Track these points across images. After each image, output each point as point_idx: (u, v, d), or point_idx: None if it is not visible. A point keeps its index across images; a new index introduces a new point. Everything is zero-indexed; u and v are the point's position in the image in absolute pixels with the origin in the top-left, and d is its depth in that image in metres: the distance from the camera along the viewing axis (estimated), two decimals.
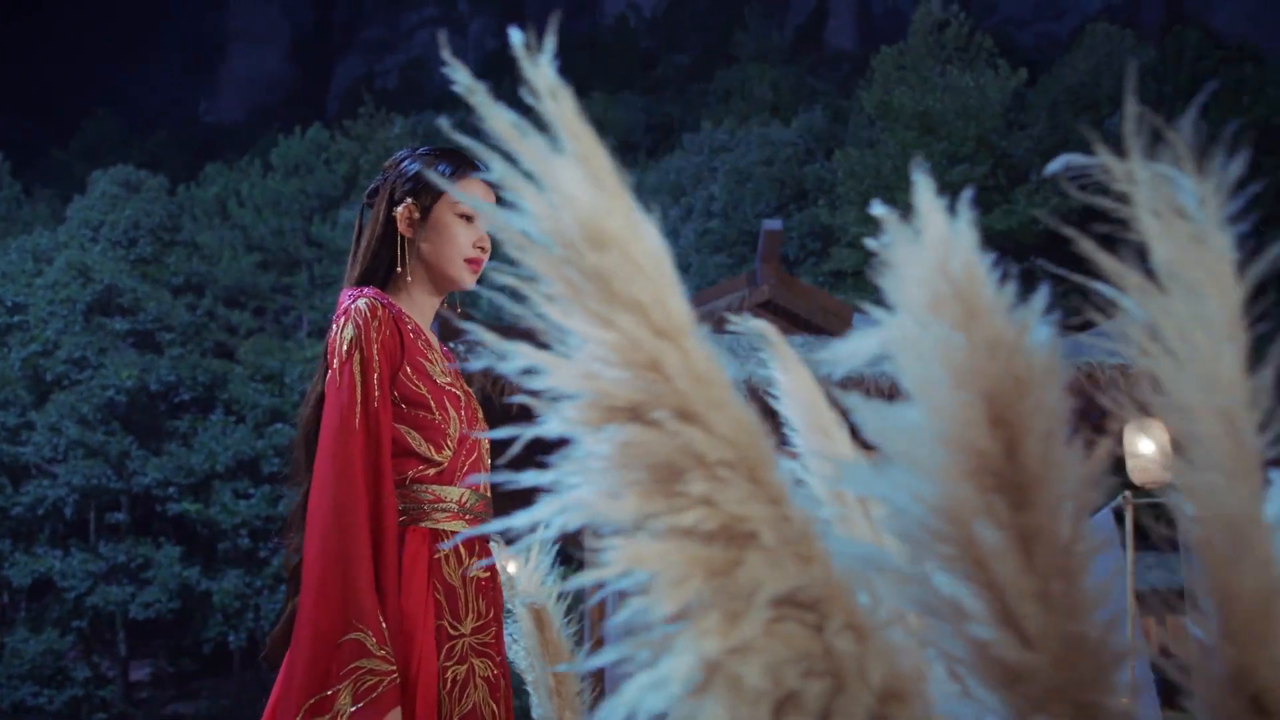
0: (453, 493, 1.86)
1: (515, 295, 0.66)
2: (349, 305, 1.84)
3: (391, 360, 1.82)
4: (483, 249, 1.96)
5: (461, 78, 0.68)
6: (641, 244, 0.66)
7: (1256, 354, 0.69)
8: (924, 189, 0.81)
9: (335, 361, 1.79)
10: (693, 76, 52.80)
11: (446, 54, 0.71)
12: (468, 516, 1.87)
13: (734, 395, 0.71)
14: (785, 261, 25.19)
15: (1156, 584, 13.19)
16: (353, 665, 1.62)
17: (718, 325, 8.34)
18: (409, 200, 1.94)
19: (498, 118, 0.68)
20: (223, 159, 34.92)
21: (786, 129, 27.49)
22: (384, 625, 1.68)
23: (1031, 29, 61.58)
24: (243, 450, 23.24)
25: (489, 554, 1.94)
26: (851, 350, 0.78)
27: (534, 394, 0.64)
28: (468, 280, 1.96)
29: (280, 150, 29.04)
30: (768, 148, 26.02)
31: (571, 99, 0.68)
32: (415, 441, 1.83)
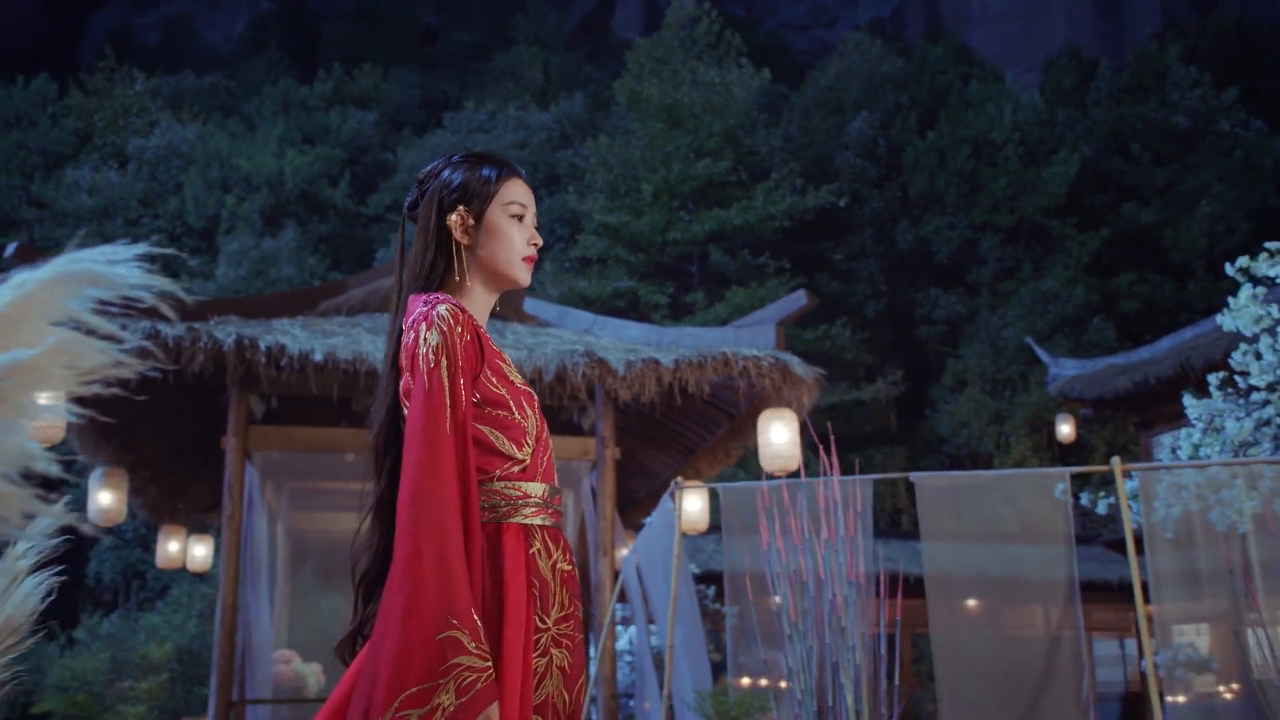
0: (536, 488, 1.93)
1: None
2: (429, 312, 1.88)
3: (473, 364, 1.88)
4: (535, 245, 2.06)
5: None
6: None
7: None
8: None
9: (423, 367, 1.82)
10: (474, 56, 52.03)
11: None
12: (549, 510, 1.94)
13: None
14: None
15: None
16: (453, 662, 1.67)
17: (384, 303, 8.12)
18: (461, 208, 2.00)
19: None
20: None
21: (544, 113, 27.50)
22: (478, 622, 1.72)
23: (807, 34, 63.70)
24: None
25: (569, 546, 1.99)
26: None
27: None
28: (525, 278, 2.04)
29: None
30: (523, 131, 25.96)
31: None
32: (499, 441, 1.90)
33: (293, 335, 7.32)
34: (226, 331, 7.07)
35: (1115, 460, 4.57)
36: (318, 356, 7.12)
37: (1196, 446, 6.68)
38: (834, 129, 27.21)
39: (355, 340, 7.53)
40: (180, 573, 13.04)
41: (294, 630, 10.78)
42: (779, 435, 7.82)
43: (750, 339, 7.95)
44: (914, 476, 4.64)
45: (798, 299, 7.95)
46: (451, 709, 1.66)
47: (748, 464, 15.25)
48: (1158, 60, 27.02)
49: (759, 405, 8.07)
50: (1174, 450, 7.19)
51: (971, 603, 4.99)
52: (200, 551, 11.16)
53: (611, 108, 28.22)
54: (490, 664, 1.73)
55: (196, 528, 11.81)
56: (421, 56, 51.65)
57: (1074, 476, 9.62)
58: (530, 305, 9.12)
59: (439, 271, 2.00)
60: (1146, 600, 4.57)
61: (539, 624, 1.88)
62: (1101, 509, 7.67)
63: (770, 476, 8.33)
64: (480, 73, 45.40)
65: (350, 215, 28.60)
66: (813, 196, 22.93)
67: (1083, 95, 28.26)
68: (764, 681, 8.14)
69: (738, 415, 8.60)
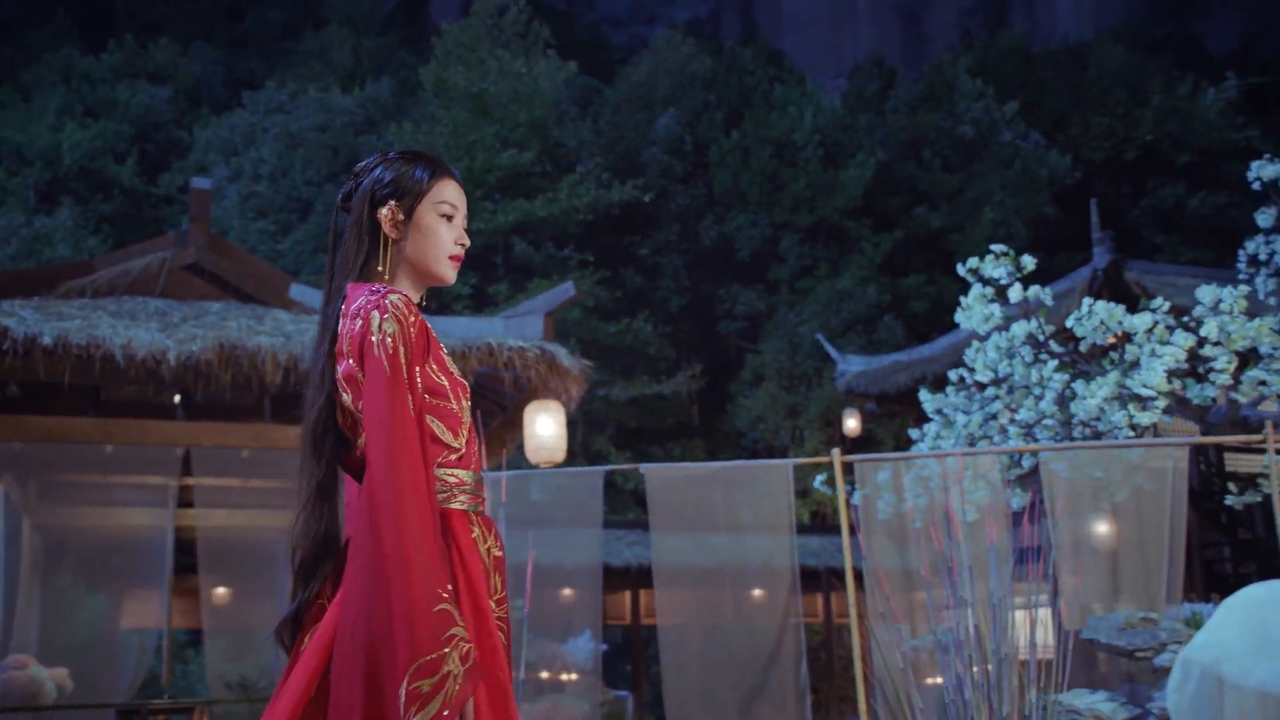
0: (469, 476, 1.99)
1: None
2: (380, 300, 1.89)
3: (422, 353, 1.92)
4: (462, 245, 2.09)
5: None
6: None
7: None
8: None
9: (380, 353, 1.84)
10: (283, 35, 50.16)
11: None
12: (478, 498, 2.00)
13: None
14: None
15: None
16: (450, 633, 1.71)
17: (134, 285, 7.56)
18: (392, 203, 2.02)
19: None
20: None
21: (347, 97, 26.73)
22: (458, 597, 1.80)
23: (627, 30, 64.23)
24: None
25: (498, 532, 2.05)
26: None
27: None
28: (451, 276, 2.09)
29: None
30: (324, 113, 25.16)
31: None
32: (439, 429, 1.94)
33: (19, 317, 6.82)
34: None
35: (835, 452, 4.68)
36: (46, 340, 6.65)
37: (936, 439, 6.96)
38: (643, 125, 27.43)
39: (93, 324, 7.07)
40: None
41: (47, 633, 10.09)
42: (545, 427, 7.77)
43: (519, 329, 7.86)
44: (644, 468, 4.64)
45: (566, 290, 7.92)
46: (461, 675, 1.71)
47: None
48: (949, 72, 28.33)
49: (529, 396, 7.99)
50: (919, 443, 7.48)
51: (697, 592, 5.04)
52: None
53: (419, 94, 27.66)
54: (470, 638, 1.78)
55: None
56: (227, 32, 49.43)
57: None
58: (296, 291, 8.77)
59: (372, 264, 2.03)
60: (859, 586, 4.70)
61: (494, 607, 1.95)
62: (856, 500, 7.92)
63: (535, 468, 8.28)
64: (289, 52, 43.77)
65: (138, 194, 27.08)
66: (618, 191, 23.03)
67: (883, 102, 29.39)
68: (545, 674, 8.07)
69: (509, 407, 8.50)
